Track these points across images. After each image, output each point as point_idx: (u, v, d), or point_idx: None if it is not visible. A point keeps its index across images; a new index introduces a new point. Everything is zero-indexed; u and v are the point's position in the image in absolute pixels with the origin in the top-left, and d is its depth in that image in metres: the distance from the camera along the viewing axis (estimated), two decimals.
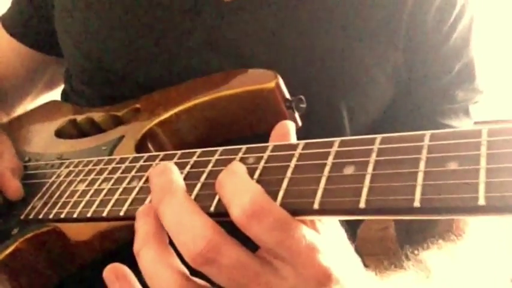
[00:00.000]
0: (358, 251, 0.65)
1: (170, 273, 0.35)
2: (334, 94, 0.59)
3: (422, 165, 0.31)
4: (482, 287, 0.50)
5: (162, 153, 0.46)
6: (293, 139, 0.40)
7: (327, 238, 0.35)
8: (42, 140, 0.65)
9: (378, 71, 0.59)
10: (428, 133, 0.33)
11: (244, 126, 0.54)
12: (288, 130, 0.40)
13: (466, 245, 0.54)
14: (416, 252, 0.52)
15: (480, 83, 0.64)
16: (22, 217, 0.51)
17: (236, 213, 0.33)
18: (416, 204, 0.30)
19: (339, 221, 0.65)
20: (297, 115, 0.53)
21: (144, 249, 0.36)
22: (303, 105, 0.52)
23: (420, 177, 0.31)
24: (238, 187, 0.34)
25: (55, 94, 0.84)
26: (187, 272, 0.36)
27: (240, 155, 0.40)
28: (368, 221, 0.71)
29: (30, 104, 0.85)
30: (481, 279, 0.51)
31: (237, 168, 0.36)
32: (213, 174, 0.40)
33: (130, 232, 0.52)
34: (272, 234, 0.32)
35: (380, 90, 0.61)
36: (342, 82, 0.59)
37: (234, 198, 0.33)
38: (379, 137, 0.35)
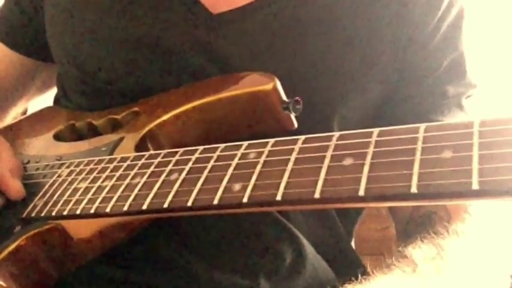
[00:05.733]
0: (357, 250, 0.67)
1: None
2: (331, 98, 0.60)
3: (418, 155, 0.33)
4: (480, 283, 0.51)
5: (164, 151, 0.47)
6: None
7: None
8: (41, 143, 0.66)
9: (372, 73, 0.61)
10: (423, 125, 0.35)
11: (242, 127, 0.55)
12: None
13: (463, 240, 0.55)
14: (400, 248, 0.53)
15: (472, 77, 0.64)
16: (24, 215, 0.51)
17: None
18: (413, 190, 0.31)
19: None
20: (293, 117, 0.54)
21: None
22: (299, 107, 0.53)
23: (416, 165, 0.32)
24: None
25: (49, 96, 0.84)
26: None
27: (242, 150, 0.42)
28: (367, 221, 0.72)
29: (22, 108, 0.86)
30: (479, 274, 0.52)
31: None
32: (215, 169, 0.42)
33: (130, 231, 0.53)
34: None
35: (373, 94, 0.62)
36: (341, 84, 0.60)
37: None
38: (376, 130, 0.37)
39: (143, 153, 0.49)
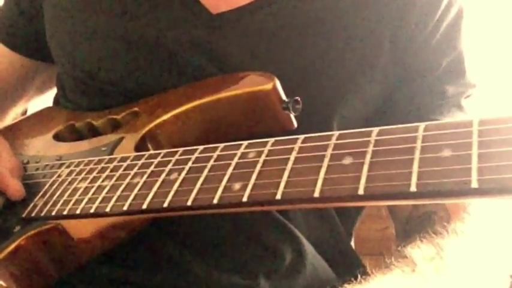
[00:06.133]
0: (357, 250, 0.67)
1: None
2: (331, 97, 0.60)
3: (417, 154, 0.33)
4: (480, 283, 0.52)
5: (164, 151, 0.47)
6: None
7: None
8: (40, 143, 0.66)
9: (372, 72, 0.61)
10: (422, 124, 0.35)
11: (242, 127, 0.55)
12: None
13: (462, 240, 0.55)
14: (399, 248, 0.53)
15: (471, 77, 0.64)
16: (24, 215, 0.51)
17: None
18: (413, 188, 0.31)
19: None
20: (293, 117, 0.54)
21: None
22: (299, 106, 0.54)
23: (416, 164, 0.32)
24: None
25: (48, 96, 0.84)
26: None
27: (241, 150, 0.42)
28: (367, 221, 0.71)
29: (22, 108, 0.86)
30: (479, 274, 0.52)
31: None
32: (215, 169, 0.42)
33: (130, 231, 0.53)
34: None
35: (373, 93, 0.62)
36: (341, 83, 0.60)
37: None
38: (375, 129, 0.37)
39: (143, 153, 0.49)
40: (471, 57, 0.64)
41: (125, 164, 0.49)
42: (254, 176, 0.38)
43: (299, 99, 0.53)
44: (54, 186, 0.52)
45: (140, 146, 0.55)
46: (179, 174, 0.43)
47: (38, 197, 0.52)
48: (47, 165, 0.58)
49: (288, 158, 0.38)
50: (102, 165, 0.51)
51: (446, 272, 0.50)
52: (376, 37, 0.60)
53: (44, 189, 0.53)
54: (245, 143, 0.42)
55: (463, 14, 0.64)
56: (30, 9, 0.74)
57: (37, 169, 0.59)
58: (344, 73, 0.60)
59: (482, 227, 0.57)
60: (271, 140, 0.41)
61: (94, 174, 0.50)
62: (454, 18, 0.63)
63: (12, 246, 0.49)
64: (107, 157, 0.52)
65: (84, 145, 0.60)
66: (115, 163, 0.50)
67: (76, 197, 0.49)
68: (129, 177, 0.47)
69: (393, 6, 0.60)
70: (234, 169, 0.40)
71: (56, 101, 0.76)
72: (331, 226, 0.65)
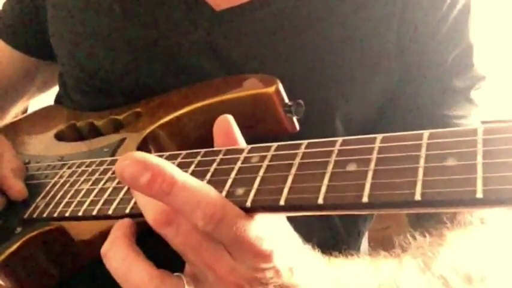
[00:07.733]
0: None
1: (142, 268, 0.38)
2: (331, 97, 0.60)
3: (422, 162, 0.33)
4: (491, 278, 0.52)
5: (166, 153, 0.47)
6: (237, 131, 0.44)
7: (268, 226, 0.38)
8: (42, 142, 0.66)
9: (373, 72, 0.61)
10: (426, 132, 0.35)
11: (244, 129, 0.55)
12: (229, 124, 0.43)
13: (471, 234, 0.55)
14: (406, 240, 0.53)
15: (479, 69, 0.63)
16: (25, 216, 0.51)
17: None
18: (417, 197, 0.31)
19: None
20: (295, 119, 0.54)
21: (112, 249, 0.39)
22: (302, 109, 0.53)
23: (420, 172, 0.32)
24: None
25: (49, 95, 0.84)
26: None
27: (244, 154, 0.42)
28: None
29: (22, 106, 0.86)
30: (490, 269, 0.52)
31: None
32: (217, 173, 0.41)
33: None
34: (222, 233, 0.36)
35: (374, 93, 0.62)
36: (341, 83, 0.60)
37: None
38: (379, 136, 0.37)
39: None
40: (481, 50, 0.63)
41: None
42: (257, 181, 0.38)
43: (302, 102, 0.53)
44: (55, 188, 0.52)
45: (142, 147, 0.55)
46: None
47: (39, 198, 0.52)
48: (48, 165, 0.58)
49: (292, 164, 0.38)
50: (104, 166, 0.51)
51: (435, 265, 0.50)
52: (378, 35, 0.60)
53: (45, 190, 0.53)
54: (248, 147, 0.42)
55: (470, 6, 0.63)
56: (32, 7, 0.74)
57: (38, 169, 0.59)
58: (344, 73, 0.60)
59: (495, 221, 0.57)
60: (275, 144, 0.41)
61: (96, 175, 0.50)
62: (462, 10, 0.62)
63: (14, 247, 0.49)
64: (109, 158, 0.52)
65: (85, 145, 0.60)
66: None
67: (78, 198, 0.48)
68: None
69: (397, 3, 0.60)
70: (237, 174, 0.40)
71: (58, 99, 0.76)
72: (331, 226, 0.65)
